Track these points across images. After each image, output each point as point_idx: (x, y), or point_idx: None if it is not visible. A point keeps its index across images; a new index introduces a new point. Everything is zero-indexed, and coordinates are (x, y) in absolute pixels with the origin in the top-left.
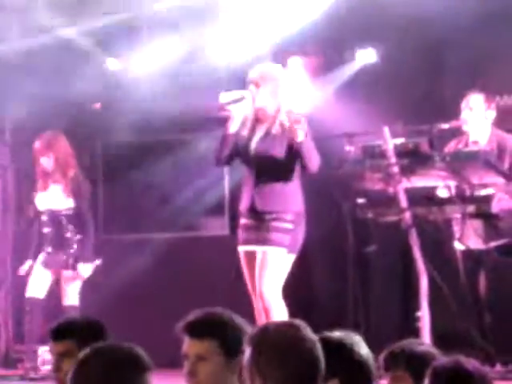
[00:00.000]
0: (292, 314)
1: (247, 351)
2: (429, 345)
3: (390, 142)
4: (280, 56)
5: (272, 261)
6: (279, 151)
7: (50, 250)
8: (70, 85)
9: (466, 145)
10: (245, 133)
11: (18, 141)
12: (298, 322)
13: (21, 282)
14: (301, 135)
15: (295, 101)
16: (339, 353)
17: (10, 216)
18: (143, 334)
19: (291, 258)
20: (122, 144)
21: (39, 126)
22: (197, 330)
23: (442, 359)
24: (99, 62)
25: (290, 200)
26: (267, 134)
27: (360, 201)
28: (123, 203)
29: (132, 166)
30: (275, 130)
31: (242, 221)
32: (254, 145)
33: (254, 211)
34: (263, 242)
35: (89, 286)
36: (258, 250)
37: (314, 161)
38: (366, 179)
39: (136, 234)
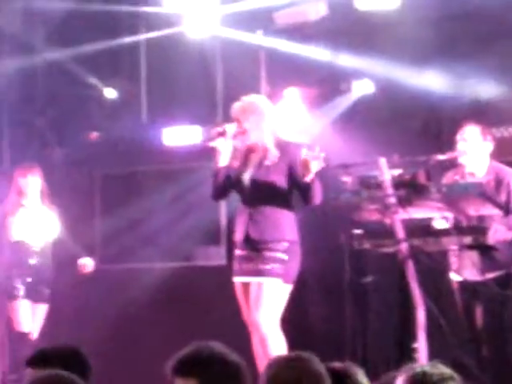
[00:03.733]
0: (289, 345)
1: None
2: None
3: (387, 172)
4: (277, 87)
5: (267, 292)
6: (273, 181)
7: (30, 280)
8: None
9: (463, 176)
10: (236, 165)
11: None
12: (307, 354)
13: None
14: (311, 174)
15: (289, 130)
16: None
17: None
18: (139, 363)
19: (287, 289)
20: (119, 174)
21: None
22: (181, 368)
23: None
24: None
25: (284, 229)
26: (260, 164)
27: (357, 232)
28: (120, 233)
29: (129, 196)
30: (269, 161)
31: (237, 252)
32: (247, 176)
33: (248, 241)
34: (258, 272)
35: (86, 315)
36: (253, 281)
37: (318, 194)
38: (363, 210)
39: (133, 263)
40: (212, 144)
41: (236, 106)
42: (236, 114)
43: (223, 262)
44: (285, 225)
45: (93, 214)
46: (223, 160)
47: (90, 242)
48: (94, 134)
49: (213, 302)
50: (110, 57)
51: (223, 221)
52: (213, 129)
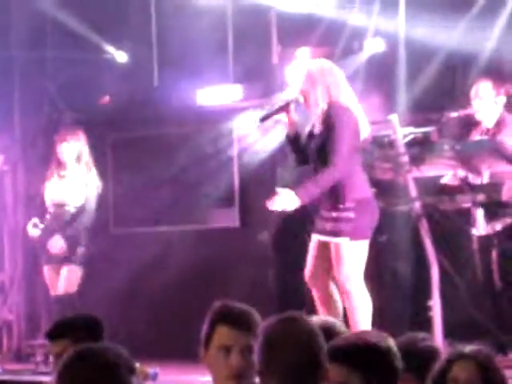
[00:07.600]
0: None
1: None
2: (429, 339)
3: (399, 131)
4: (288, 47)
5: (336, 251)
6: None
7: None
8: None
9: (482, 133)
10: (306, 130)
11: (27, 136)
12: (298, 313)
13: (32, 278)
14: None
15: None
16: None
17: (20, 212)
18: (152, 326)
19: (359, 245)
20: (130, 138)
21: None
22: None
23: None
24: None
25: (348, 188)
26: (320, 129)
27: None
28: (133, 197)
29: (141, 160)
30: (326, 125)
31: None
32: (309, 140)
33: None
34: (327, 232)
35: (98, 279)
36: (322, 239)
37: None
38: (376, 169)
39: (145, 227)
40: (276, 118)
41: (289, 71)
42: (291, 79)
43: (237, 224)
44: (349, 184)
45: (105, 178)
46: (291, 130)
47: (102, 206)
48: (106, 98)
49: (226, 264)
50: (119, 20)
51: (236, 183)
52: (273, 104)
